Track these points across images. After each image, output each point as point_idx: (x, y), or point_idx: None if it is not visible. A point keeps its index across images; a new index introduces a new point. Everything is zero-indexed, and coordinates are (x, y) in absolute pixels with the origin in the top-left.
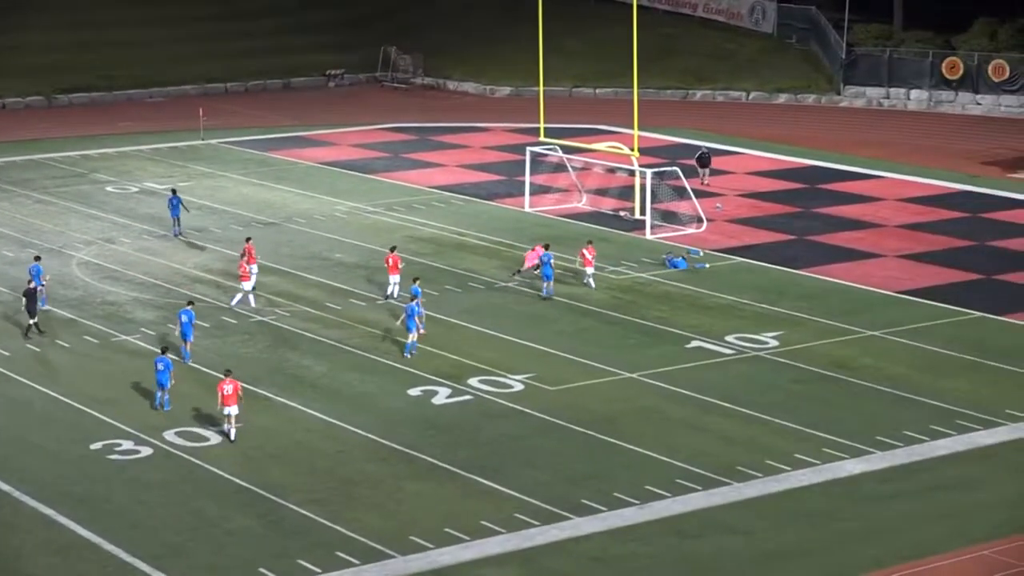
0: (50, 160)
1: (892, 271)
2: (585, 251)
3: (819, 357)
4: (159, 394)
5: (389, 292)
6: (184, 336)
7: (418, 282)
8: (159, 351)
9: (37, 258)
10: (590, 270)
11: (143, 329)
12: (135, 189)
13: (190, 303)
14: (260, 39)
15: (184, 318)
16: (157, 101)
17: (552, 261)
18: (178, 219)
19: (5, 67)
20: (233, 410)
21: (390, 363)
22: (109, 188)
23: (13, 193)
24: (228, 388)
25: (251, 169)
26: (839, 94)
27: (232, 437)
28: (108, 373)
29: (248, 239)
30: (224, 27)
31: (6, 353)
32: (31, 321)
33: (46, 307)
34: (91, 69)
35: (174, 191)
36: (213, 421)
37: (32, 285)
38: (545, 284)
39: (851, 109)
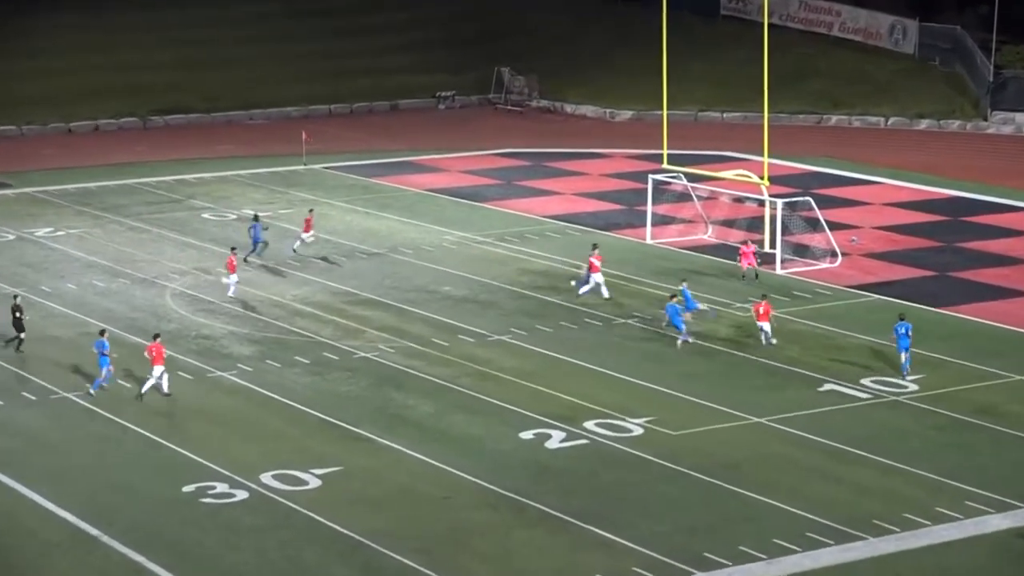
0: (144, 185)
1: None
2: (593, 259)
3: (962, 402)
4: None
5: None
6: (676, 324)
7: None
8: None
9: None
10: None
11: (240, 365)
12: (233, 216)
13: (672, 296)
14: (366, 59)
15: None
16: (257, 123)
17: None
18: (262, 244)
19: (98, 87)
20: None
21: (499, 403)
22: (206, 215)
23: (105, 219)
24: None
25: (355, 196)
26: (986, 120)
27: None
28: (202, 411)
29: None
30: (328, 46)
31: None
32: (19, 336)
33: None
34: (188, 89)
35: (256, 217)
36: (313, 462)
37: (18, 301)
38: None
39: (998, 136)
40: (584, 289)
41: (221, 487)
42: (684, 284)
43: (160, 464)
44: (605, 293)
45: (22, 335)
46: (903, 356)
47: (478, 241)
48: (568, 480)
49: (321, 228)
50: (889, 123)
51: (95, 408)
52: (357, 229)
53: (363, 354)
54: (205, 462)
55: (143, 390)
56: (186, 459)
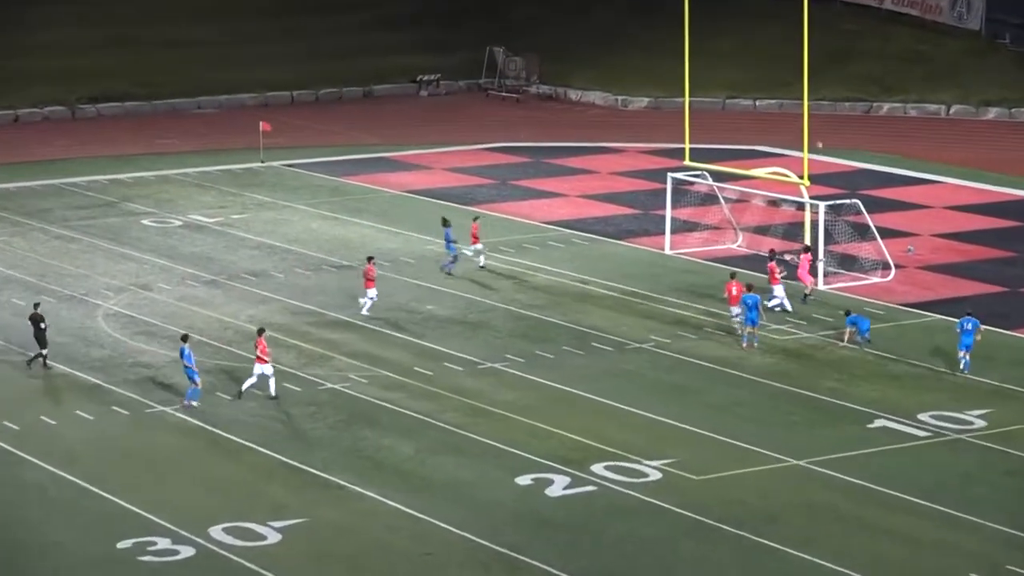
0: (73, 186)
1: None
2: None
3: None
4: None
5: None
6: (751, 319)
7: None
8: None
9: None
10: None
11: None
12: (178, 223)
13: (749, 287)
14: (336, 37)
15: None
16: (207, 113)
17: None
18: (454, 258)
19: (19, 70)
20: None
21: (492, 443)
22: (145, 221)
23: (27, 227)
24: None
25: (322, 199)
26: None
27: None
28: (141, 452)
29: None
30: (290, 23)
31: (14, 427)
32: (41, 352)
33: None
34: (125, 73)
35: (445, 221)
36: (271, 513)
37: (39, 310)
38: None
39: None
40: (774, 302)
41: (163, 543)
42: (752, 291)
43: (91, 516)
44: (788, 306)
45: (45, 351)
46: (963, 354)
47: (467, 252)
48: (573, 534)
49: (281, 237)
50: (951, 112)
51: (13, 449)
52: (324, 237)
53: (331, 385)
54: (144, 513)
55: (243, 387)
56: (122, 510)
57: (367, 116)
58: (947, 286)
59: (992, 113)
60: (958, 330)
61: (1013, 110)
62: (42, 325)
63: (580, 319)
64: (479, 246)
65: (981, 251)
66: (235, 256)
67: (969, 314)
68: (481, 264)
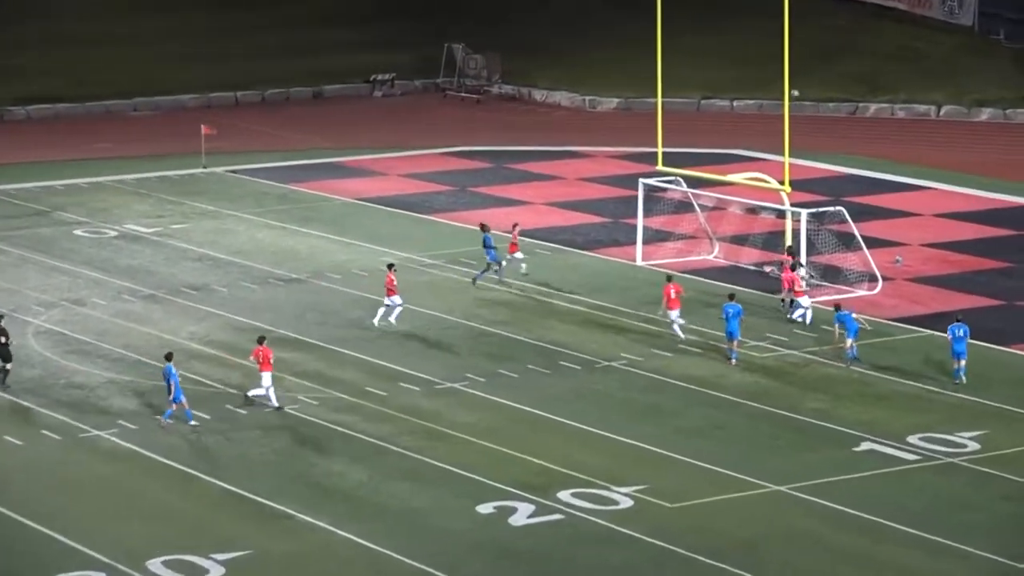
0: (0, 193)
1: None
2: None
3: None
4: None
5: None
6: (731, 331)
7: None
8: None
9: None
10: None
11: (122, 422)
12: (113, 233)
13: (731, 296)
14: (283, 34)
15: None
16: (144, 115)
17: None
18: (498, 264)
19: None
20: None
21: (451, 469)
22: (78, 231)
23: None
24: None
25: (268, 207)
26: None
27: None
28: (73, 480)
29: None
30: (234, 18)
31: None
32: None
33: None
34: (57, 72)
35: (483, 227)
36: (215, 545)
37: (3, 324)
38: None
39: None
40: (798, 313)
41: None
42: (733, 300)
43: (20, 548)
44: (810, 318)
45: (8, 366)
46: (956, 363)
47: (425, 264)
48: (537, 565)
49: (224, 248)
50: (942, 112)
51: None
52: (270, 249)
53: (277, 405)
54: (77, 546)
55: (250, 393)
56: (53, 543)
57: (317, 118)
58: (938, 299)
59: (985, 114)
60: (949, 337)
61: (1008, 111)
62: (3, 340)
63: (545, 336)
64: (519, 254)
65: (974, 262)
66: (175, 269)
67: (959, 320)
68: (525, 271)
